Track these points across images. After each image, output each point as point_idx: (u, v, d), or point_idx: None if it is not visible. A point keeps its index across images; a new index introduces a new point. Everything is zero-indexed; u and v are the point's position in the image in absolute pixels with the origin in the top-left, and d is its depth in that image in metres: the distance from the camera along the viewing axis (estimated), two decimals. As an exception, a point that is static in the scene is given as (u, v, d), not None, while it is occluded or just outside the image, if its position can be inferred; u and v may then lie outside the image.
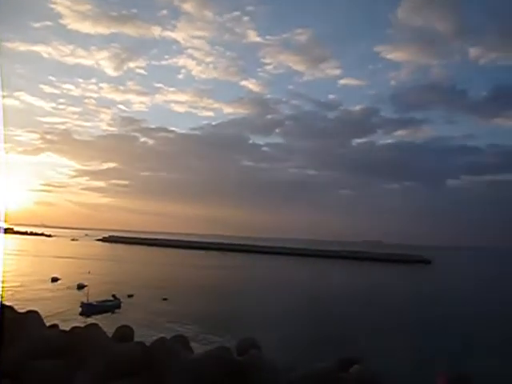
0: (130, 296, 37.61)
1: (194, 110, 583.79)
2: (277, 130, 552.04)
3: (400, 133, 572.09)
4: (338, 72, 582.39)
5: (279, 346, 23.05)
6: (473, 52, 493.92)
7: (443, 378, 3.27)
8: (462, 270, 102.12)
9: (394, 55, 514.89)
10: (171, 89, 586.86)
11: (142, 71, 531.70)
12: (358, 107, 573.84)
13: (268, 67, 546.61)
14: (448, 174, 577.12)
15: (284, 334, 26.53)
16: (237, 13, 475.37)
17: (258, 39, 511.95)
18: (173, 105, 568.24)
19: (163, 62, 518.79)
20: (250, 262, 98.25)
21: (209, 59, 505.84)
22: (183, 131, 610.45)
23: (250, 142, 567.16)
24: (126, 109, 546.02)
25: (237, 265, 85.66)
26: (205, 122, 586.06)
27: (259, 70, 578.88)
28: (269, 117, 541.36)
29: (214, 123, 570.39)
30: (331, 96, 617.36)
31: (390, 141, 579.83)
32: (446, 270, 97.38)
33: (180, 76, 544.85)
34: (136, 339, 6.25)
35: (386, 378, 3.31)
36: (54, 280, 46.00)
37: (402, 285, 61.49)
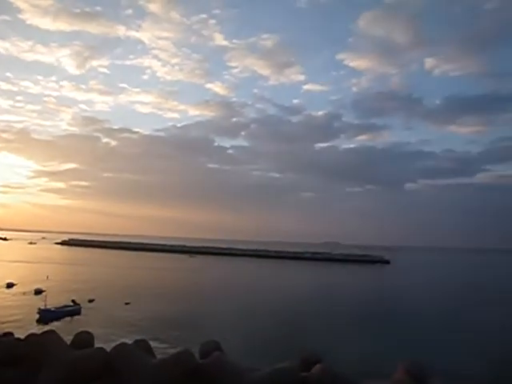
0: (91, 301, 36.45)
1: (158, 111, 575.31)
2: (242, 133, 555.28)
3: (361, 138, 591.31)
4: (302, 78, 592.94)
5: (242, 348, 23.12)
6: (428, 62, 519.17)
7: (402, 367, 3.43)
8: (418, 270, 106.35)
9: (355, 63, 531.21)
10: (135, 89, 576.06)
11: (105, 70, 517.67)
12: (321, 112, 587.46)
13: (234, 71, 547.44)
14: (406, 177, 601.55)
15: (247, 335, 26.65)
16: (203, 15, 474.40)
17: (224, 42, 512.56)
18: (137, 105, 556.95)
19: (127, 62, 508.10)
20: (213, 264, 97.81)
21: (174, 61, 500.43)
22: (147, 132, 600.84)
23: (216, 144, 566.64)
24: (88, 108, 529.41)
25: (200, 267, 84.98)
26: (170, 123, 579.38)
27: (225, 73, 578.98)
28: (234, 120, 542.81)
29: (179, 125, 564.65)
30: (295, 101, 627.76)
31: (352, 145, 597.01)
32: (403, 270, 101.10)
33: (145, 76, 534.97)
34: (97, 345, 6.07)
35: (347, 375, 3.43)
36: (10, 286, 43.84)
37: (362, 284, 63.28)
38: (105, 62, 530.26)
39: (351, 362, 21.34)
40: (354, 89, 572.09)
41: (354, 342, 26.35)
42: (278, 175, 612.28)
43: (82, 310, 32.27)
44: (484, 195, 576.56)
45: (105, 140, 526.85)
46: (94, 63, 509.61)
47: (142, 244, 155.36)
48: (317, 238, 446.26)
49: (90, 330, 7.69)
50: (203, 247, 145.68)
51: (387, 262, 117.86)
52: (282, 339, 25.28)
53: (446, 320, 35.42)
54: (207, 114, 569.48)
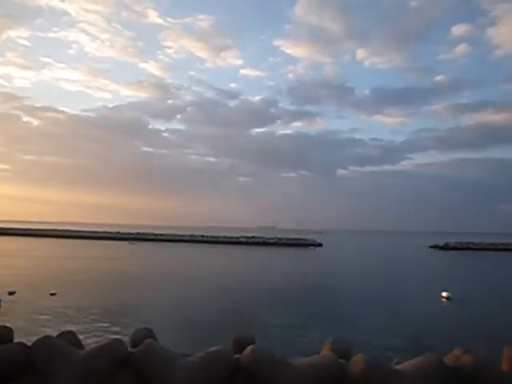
0: (12, 293, 33.85)
1: (87, 90, 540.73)
2: (178, 116, 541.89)
3: (297, 124, 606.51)
4: (239, 62, 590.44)
5: (178, 334, 22.99)
6: (360, 54, 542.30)
7: (329, 344, 3.59)
8: (348, 252, 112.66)
9: (292, 50, 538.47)
10: (61, 65, 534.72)
11: (25, 42, 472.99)
12: (257, 97, 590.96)
13: (169, 51, 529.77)
14: (338, 164, 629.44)
15: (183, 322, 26.54)
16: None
17: (158, 20, 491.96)
18: (63, 82, 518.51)
19: (51, 35, 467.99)
20: (151, 250, 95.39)
21: (104, 36, 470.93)
22: (74, 112, 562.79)
23: (150, 127, 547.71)
24: (6, 83, 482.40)
25: (138, 254, 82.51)
26: (100, 103, 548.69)
27: (160, 53, 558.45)
28: (170, 102, 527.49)
29: (110, 105, 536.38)
30: (232, 85, 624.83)
31: (287, 131, 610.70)
32: (335, 252, 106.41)
33: (71, 51, 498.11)
34: (16, 340, 5.63)
35: (278, 354, 3.53)
36: None
37: (296, 266, 65.50)
38: (24, 32, 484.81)
39: (284, 341, 22.20)
40: (290, 75, 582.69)
41: (288, 322, 27.38)
42: (214, 159, 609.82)
43: (2, 304, 29.92)
44: (406, 182, 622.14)
45: (25, 119, 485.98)
46: (12, 33, 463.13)
47: (70, 231, 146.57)
48: (253, 223, 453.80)
49: (9, 325, 7.13)
50: (137, 233, 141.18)
51: (320, 245, 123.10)
52: (219, 323, 25.52)
53: (372, 298, 38.05)
54: (141, 94, 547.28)
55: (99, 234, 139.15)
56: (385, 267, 68.88)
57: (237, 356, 3.43)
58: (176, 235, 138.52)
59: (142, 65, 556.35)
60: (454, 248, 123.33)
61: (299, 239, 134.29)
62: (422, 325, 27.31)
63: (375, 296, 38.85)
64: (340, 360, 3.35)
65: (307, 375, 3.25)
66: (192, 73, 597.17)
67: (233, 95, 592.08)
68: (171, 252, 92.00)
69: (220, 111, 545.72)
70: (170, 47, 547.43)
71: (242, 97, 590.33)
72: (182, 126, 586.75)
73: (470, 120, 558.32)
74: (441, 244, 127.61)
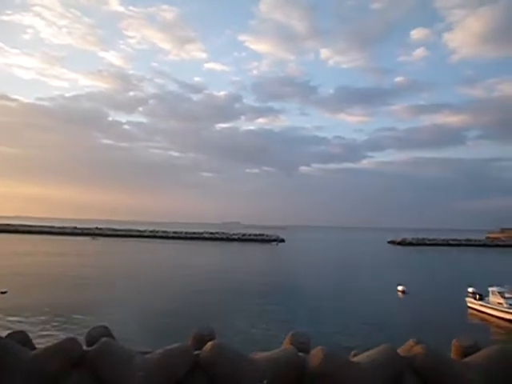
0: (-43, 292, 31.90)
1: (42, 78, 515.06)
2: (140, 109, 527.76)
3: (261, 120, 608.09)
4: (203, 55, 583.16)
5: (137, 331, 22.58)
6: (323, 53, 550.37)
7: (289, 338, 3.65)
8: (310, 247, 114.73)
9: (256, 46, 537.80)
10: (14, 50, 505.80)
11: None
12: (222, 92, 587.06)
13: (131, 41, 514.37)
14: (301, 161, 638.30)
15: (144, 318, 26.08)
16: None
17: (120, 9, 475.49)
18: (15, 69, 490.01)
19: (4, 17, 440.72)
20: (110, 246, 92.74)
21: (62, 22, 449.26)
22: (29, 101, 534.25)
23: (110, 118, 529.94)
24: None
25: (99, 250, 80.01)
26: (56, 92, 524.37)
27: (121, 42, 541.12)
28: (131, 93, 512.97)
29: (67, 95, 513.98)
30: (197, 78, 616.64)
31: (251, 127, 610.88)
32: (297, 247, 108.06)
33: (26, 36, 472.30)
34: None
35: (237, 349, 3.55)
36: None
37: (259, 262, 65.92)
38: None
39: (245, 335, 22.33)
40: (255, 71, 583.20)
41: (249, 316, 27.54)
42: (177, 154, 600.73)
43: None
44: (367, 179, 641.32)
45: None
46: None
47: (28, 226, 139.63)
48: (217, 219, 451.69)
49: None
50: (96, 228, 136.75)
51: (283, 241, 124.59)
52: (179, 319, 25.24)
53: (331, 292, 38.98)
54: (100, 85, 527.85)
55: (58, 230, 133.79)
56: (344, 262, 70.81)
57: (196, 352, 3.41)
58: (138, 231, 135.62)
59: (102, 54, 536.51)
60: (410, 243, 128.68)
61: (262, 235, 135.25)
62: (379, 317, 28.31)
63: (335, 290, 39.85)
64: (300, 353, 3.42)
65: (267, 369, 3.29)
66: (155, 64, 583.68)
67: (197, 89, 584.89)
68: (133, 248, 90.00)
69: (183, 105, 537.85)
70: (131, 37, 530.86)
71: (206, 91, 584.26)
72: (143, 119, 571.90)
73: (427, 121, 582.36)
74: (398, 240, 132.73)
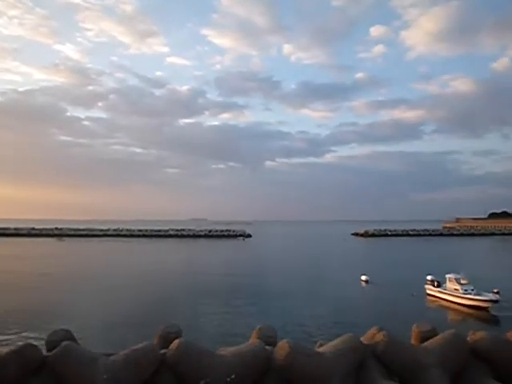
0: None
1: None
2: (99, 104, 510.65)
3: (225, 116, 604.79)
4: (165, 49, 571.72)
5: (102, 333, 22.03)
6: (286, 49, 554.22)
7: (256, 332, 3.69)
8: (275, 242, 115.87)
9: (219, 40, 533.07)
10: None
11: None
12: (185, 87, 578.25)
13: (88, 33, 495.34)
14: (266, 156, 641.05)
15: (108, 320, 25.44)
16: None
17: (75, 0, 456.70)
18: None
19: None
20: (75, 247, 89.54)
21: (12, 12, 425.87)
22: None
23: (68, 114, 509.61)
24: None
25: (57, 251, 77.01)
26: (8, 86, 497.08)
27: (78, 35, 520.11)
28: (90, 88, 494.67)
29: (20, 89, 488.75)
30: (158, 73, 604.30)
31: (216, 123, 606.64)
32: (263, 242, 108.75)
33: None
34: None
35: (204, 346, 3.54)
36: None
37: (225, 257, 65.85)
38: None
39: (212, 332, 22.30)
40: (218, 66, 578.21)
41: (216, 312, 27.51)
42: (140, 150, 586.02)
43: None
44: (331, 173, 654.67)
45: None
46: None
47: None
48: (184, 215, 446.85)
49: None
50: (56, 229, 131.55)
51: (249, 236, 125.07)
52: (144, 319, 24.81)
53: (297, 285, 39.58)
54: (57, 79, 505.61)
55: (14, 231, 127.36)
56: (310, 254, 72.09)
57: (163, 351, 3.37)
58: (101, 230, 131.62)
59: (58, 47, 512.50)
60: (373, 235, 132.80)
61: (229, 231, 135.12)
62: (344, 307, 29.10)
63: (300, 282, 40.51)
64: (267, 347, 3.46)
65: (235, 364, 3.30)
66: (114, 58, 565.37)
67: (159, 84, 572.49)
68: (96, 248, 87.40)
69: (145, 100, 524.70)
70: (89, 29, 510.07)
71: (168, 86, 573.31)
72: (103, 115, 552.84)
73: (386, 116, 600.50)
74: (361, 232, 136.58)
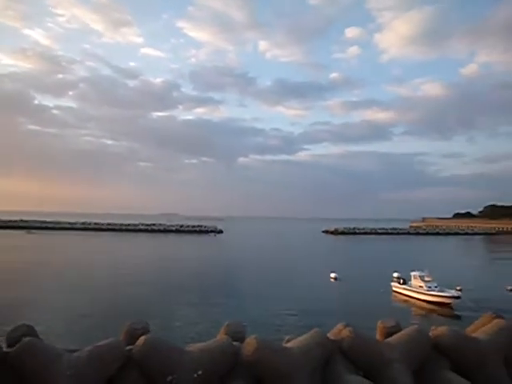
0: None
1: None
2: (70, 93, 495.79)
3: (199, 110, 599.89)
4: (139, 40, 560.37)
5: (65, 329, 21.49)
6: (262, 45, 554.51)
7: (224, 328, 3.70)
8: (247, 238, 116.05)
9: (194, 34, 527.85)
10: None
11: None
12: (159, 79, 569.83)
13: (60, 19, 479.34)
14: (239, 152, 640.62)
15: (74, 316, 24.83)
16: None
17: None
18: None
19: None
20: (42, 240, 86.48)
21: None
22: None
23: (36, 102, 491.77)
24: None
25: (26, 245, 74.23)
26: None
27: (49, 20, 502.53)
28: (60, 76, 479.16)
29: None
30: (132, 63, 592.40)
31: (190, 117, 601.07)
32: (235, 238, 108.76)
33: None
34: None
35: (175, 341, 3.51)
36: None
37: (196, 253, 65.42)
38: None
39: (182, 329, 22.16)
40: (193, 60, 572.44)
41: (185, 308, 27.35)
42: (111, 142, 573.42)
43: None
44: (303, 171, 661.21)
45: None
46: None
47: None
48: (155, 210, 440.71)
49: None
50: (21, 221, 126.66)
51: (221, 232, 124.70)
52: (111, 315, 24.35)
53: (267, 281, 39.86)
54: (24, 65, 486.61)
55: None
56: (280, 251, 72.66)
57: (129, 347, 3.31)
58: (69, 223, 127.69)
59: (27, 31, 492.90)
60: (343, 233, 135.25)
61: (200, 226, 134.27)
62: (313, 304, 29.53)
63: (271, 279, 40.81)
64: (234, 343, 3.46)
65: (202, 360, 3.29)
66: (86, 46, 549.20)
67: (132, 75, 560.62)
68: (62, 241, 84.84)
69: (118, 91, 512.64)
70: (60, 15, 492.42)
71: (142, 77, 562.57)
72: (74, 104, 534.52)
73: (358, 116, 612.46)
74: (331, 229, 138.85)
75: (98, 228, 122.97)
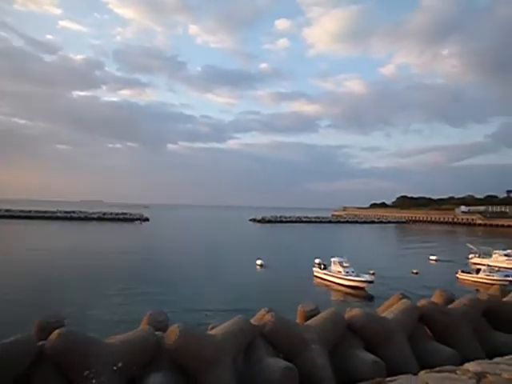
0: None
1: None
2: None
3: (124, 92, 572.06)
4: (57, 11, 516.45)
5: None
6: (192, 29, 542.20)
7: (147, 317, 3.62)
8: (174, 226, 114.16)
9: (120, 10, 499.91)
10: None
11: None
12: (80, 56, 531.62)
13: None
14: (168, 138, 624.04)
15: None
16: None
17: None
18: None
19: None
20: None
21: None
22: None
23: None
24: None
25: None
26: None
27: None
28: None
29: None
30: (49, 36, 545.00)
31: (114, 99, 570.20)
32: (161, 226, 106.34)
33: None
34: None
35: (94, 334, 3.37)
36: None
37: (120, 242, 62.91)
38: None
39: (103, 321, 21.30)
40: (118, 37, 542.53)
41: (106, 299, 26.31)
42: (24, 122, 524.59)
43: None
44: (233, 159, 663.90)
45: None
46: None
47: None
48: (76, 196, 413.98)
49: None
50: None
51: (147, 220, 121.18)
52: (25, 309, 22.63)
53: (194, 269, 39.70)
54: None
55: None
56: (208, 239, 72.69)
57: (41, 342, 3.11)
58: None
59: None
60: (269, 221, 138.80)
61: (125, 214, 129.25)
62: (238, 291, 30.03)
63: (197, 267, 40.69)
64: (157, 332, 3.41)
65: (122, 352, 3.19)
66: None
67: (49, 49, 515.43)
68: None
69: (33, 65, 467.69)
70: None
71: (60, 52, 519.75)
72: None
73: (287, 108, 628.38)
74: (258, 218, 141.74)
75: (9, 215, 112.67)
